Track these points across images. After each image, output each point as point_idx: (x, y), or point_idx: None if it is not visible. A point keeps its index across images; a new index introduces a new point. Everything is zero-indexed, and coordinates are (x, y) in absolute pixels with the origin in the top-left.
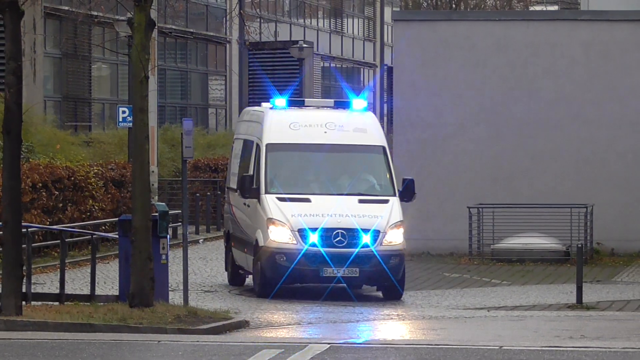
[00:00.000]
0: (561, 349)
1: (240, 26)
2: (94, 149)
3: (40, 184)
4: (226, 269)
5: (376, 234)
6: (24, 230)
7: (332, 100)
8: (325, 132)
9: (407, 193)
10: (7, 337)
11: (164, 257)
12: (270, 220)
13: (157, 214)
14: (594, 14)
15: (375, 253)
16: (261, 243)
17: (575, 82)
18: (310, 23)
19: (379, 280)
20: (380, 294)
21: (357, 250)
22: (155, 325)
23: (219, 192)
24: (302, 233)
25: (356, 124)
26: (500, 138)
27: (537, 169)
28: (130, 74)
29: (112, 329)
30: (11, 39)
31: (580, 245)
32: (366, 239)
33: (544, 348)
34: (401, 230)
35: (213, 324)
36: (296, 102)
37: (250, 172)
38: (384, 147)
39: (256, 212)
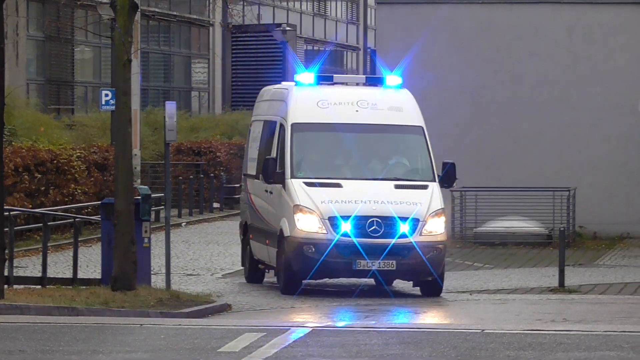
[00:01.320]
0: (543, 332)
1: (223, 9)
2: (76, 132)
3: (23, 167)
4: (243, 265)
5: (415, 223)
6: (6, 213)
7: (364, 76)
8: (357, 111)
9: (447, 178)
10: None
11: (146, 240)
12: (298, 207)
13: (139, 197)
14: None
15: (415, 244)
16: (287, 233)
17: (558, 65)
18: (294, 6)
19: (418, 274)
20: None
21: (394, 240)
22: (138, 308)
23: (202, 176)
24: (332, 221)
25: (391, 102)
26: (483, 121)
27: (520, 152)
28: (113, 57)
29: (95, 313)
30: None
31: (562, 229)
32: (404, 228)
33: (526, 331)
34: (442, 219)
35: (195, 308)
36: (324, 77)
37: (274, 155)
38: (422, 128)
39: (281, 199)
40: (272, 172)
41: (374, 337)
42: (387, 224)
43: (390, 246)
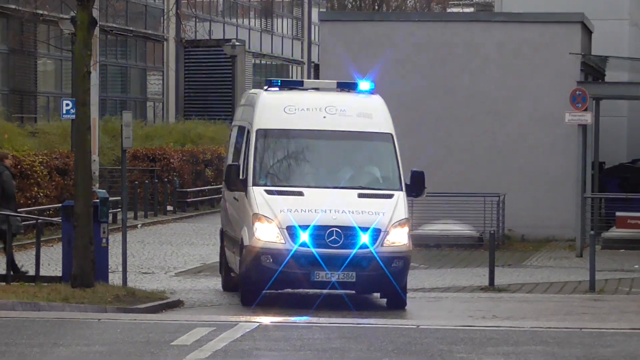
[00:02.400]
0: (474, 328)
1: (177, 25)
2: (39, 139)
3: None
4: (220, 272)
5: (377, 233)
6: None
7: (335, 81)
8: (325, 117)
9: (415, 187)
10: None
11: (104, 240)
12: (257, 216)
13: (98, 200)
14: (507, 16)
15: (375, 255)
16: (246, 242)
17: (489, 79)
18: (243, 22)
19: (380, 286)
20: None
21: (354, 251)
22: (96, 304)
23: (157, 181)
24: (291, 231)
25: (361, 107)
26: (419, 131)
27: (453, 160)
28: (74, 69)
29: (55, 308)
30: None
31: (492, 232)
32: (365, 238)
33: (458, 327)
34: (406, 229)
35: (150, 304)
36: (293, 82)
37: (240, 161)
38: (391, 135)
39: (244, 207)
40: (235, 179)
41: (316, 332)
42: (347, 234)
43: (350, 257)
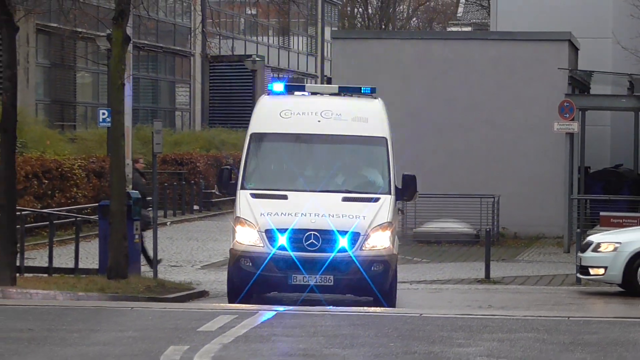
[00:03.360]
0: (472, 316)
1: (203, 42)
2: (78, 145)
3: (32, 174)
4: None
5: (355, 237)
6: (18, 213)
7: (337, 86)
8: (319, 121)
9: (406, 191)
10: (3, 304)
11: (136, 236)
12: (238, 220)
13: (131, 200)
14: (501, 35)
15: (354, 258)
16: (230, 245)
17: (485, 92)
18: (262, 40)
19: (359, 290)
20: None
21: (332, 255)
22: (129, 294)
23: (184, 183)
24: (269, 234)
25: (357, 112)
26: (422, 139)
27: (453, 165)
28: (109, 81)
29: (93, 297)
30: (8, 50)
31: (488, 230)
32: (343, 242)
33: (457, 315)
34: (387, 233)
35: (178, 294)
36: (296, 87)
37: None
38: (385, 139)
39: (234, 209)
40: (226, 182)
41: (328, 319)
42: (325, 238)
43: (328, 261)
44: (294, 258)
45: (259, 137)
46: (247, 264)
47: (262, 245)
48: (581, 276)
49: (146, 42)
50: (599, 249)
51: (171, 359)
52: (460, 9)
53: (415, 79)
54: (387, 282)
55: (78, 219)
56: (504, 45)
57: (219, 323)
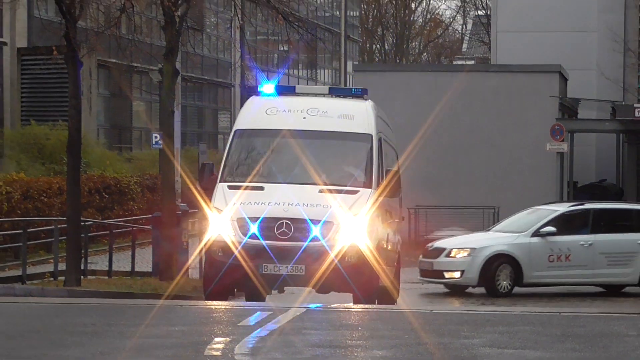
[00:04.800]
0: (476, 312)
1: (242, 74)
2: (133, 164)
3: (95, 190)
4: None
5: (328, 227)
6: (82, 223)
7: (327, 87)
8: (304, 118)
9: (389, 186)
10: (70, 302)
11: (185, 243)
12: (212, 209)
13: (180, 212)
14: (500, 67)
15: (327, 248)
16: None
17: (486, 116)
18: (293, 72)
19: (332, 282)
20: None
21: (304, 244)
22: (178, 293)
23: None
24: (241, 223)
25: (344, 110)
26: (431, 158)
27: (458, 180)
28: (161, 109)
29: (147, 296)
30: (73, 82)
31: None
32: (316, 231)
33: (463, 311)
34: (364, 224)
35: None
36: (286, 88)
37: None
38: (371, 136)
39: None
40: (207, 177)
41: (351, 315)
42: (297, 226)
43: (300, 250)
44: (265, 247)
45: (242, 133)
46: (219, 253)
47: (234, 234)
48: (424, 278)
49: (193, 74)
50: (451, 255)
51: (215, 350)
52: (464, 45)
53: (425, 105)
54: (363, 274)
55: (134, 228)
56: (502, 76)
57: (257, 318)
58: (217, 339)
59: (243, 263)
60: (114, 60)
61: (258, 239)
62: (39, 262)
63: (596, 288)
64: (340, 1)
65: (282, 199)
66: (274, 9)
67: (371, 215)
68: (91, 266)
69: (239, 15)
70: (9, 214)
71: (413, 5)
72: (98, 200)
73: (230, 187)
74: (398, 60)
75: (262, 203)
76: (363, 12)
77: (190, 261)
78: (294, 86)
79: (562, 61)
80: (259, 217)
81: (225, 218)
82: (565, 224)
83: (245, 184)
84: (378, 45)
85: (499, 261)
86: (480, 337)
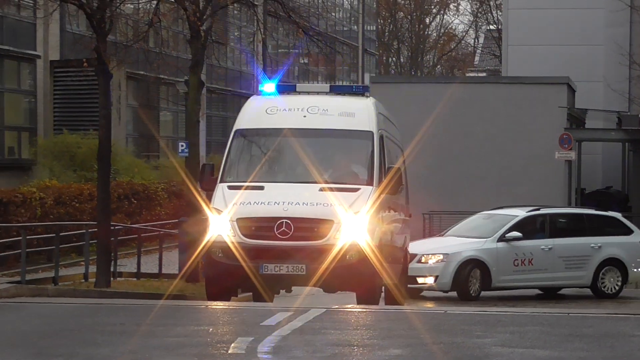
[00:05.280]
0: (487, 312)
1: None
2: (161, 171)
3: (124, 196)
4: None
5: (328, 225)
6: (112, 228)
7: (328, 85)
8: (305, 116)
9: (390, 183)
10: (100, 303)
11: None
12: (212, 210)
13: (205, 217)
14: (510, 79)
15: (328, 247)
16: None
17: (497, 126)
18: (313, 84)
19: (334, 281)
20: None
21: (304, 243)
22: (204, 294)
23: None
24: (241, 223)
25: (344, 107)
26: (445, 165)
27: (471, 187)
28: (187, 118)
29: (173, 297)
30: (103, 93)
31: None
32: (315, 230)
33: (475, 312)
34: (365, 222)
35: (244, 294)
36: (287, 87)
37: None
38: (372, 133)
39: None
40: (208, 178)
41: (369, 315)
42: (297, 226)
43: (301, 250)
44: (265, 246)
45: (242, 133)
46: (219, 254)
47: (233, 234)
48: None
49: (217, 86)
50: (422, 260)
51: (239, 348)
52: (476, 58)
53: (439, 115)
54: (365, 273)
55: (161, 232)
56: (513, 87)
57: (278, 318)
58: (240, 338)
59: (243, 263)
60: (142, 72)
61: (258, 238)
62: (70, 264)
63: (535, 290)
64: (358, 16)
65: (282, 198)
66: (295, 23)
67: (372, 213)
68: (120, 268)
69: (262, 30)
70: (42, 218)
71: (427, 20)
72: (127, 205)
73: (230, 188)
74: (413, 73)
75: (261, 203)
76: (380, 26)
77: None
78: (295, 85)
79: (570, 73)
80: (258, 217)
81: (224, 218)
82: (526, 228)
83: (245, 184)
84: (394, 58)
85: (470, 266)
86: (492, 336)
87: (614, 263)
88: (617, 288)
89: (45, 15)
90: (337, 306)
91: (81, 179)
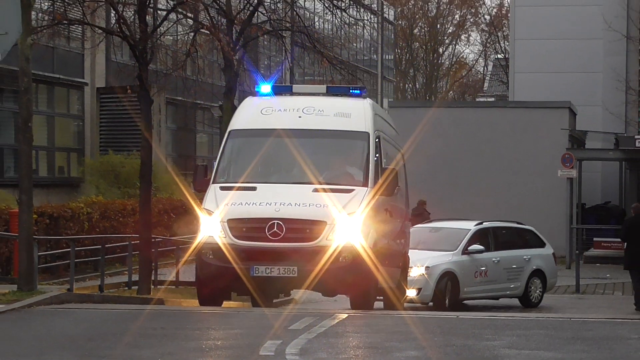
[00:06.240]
0: (497, 317)
1: None
2: None
3: (164, 211)
4: None
5: (321, 226)
6: (153, 239)
7: (325, 86)
8: (300, 117)
9: (385, 184)
10: (142, 309)
11: None
12: (203, 211)
13: None
14: (517, 103)
15: (321, 249)
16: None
17: (505, 146)
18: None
19: (326, 283)
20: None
21: (295, 245)
22: (236, 302)
23: None
24: (232, 224)
25: (340, 108)
26: (456, 183)
27: (480, 202)
28: (221, 139)
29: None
30: (144, 117)
31: None
32: (308, 231)
33: (485, 317)
34: (358, 223)
35: (274, 301)
36: (283, 88)
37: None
38: (367, 134)
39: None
40: (201, 179)
41: (388, 319)
42: (289, 227)
43: (293, 251)
44: (256, 248)
45: (236, 134)
46: (209, 255)
47: (224, 235)
48: None
49: None
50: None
51: (268, 350)
52: (486, 84)
53: (452, 137)
54: (359, 275)
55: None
56: (519, 111)
57: (304, 323)
58: (270, 341)
59: (234, 265)
60: (180, 98)
61: (248, 240)
62: (115, 273)
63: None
64: (377, 46)
65: (274, 199)
66: (320, 53)
67: (367, 214)
68: (160, 277)
69: (289, 59)
70: (89, 231)
71: (441, 50)
72: (166, 219)
73: (222, 189)
74: (428, 98)
75: (253, 203)
76: (397, 55)
77: None
78: (291, 85)
79: (572, 98)
80: (249, 218)
81: (215, 219)
82: (479, 241)
83: (237, 185)
84: (410, 85)
85: (446, 278)
86: (500, 339)
87: (538, 274)
88: (539, 298)
89: (93, 47)
90: (357, 311)
91: (125, 196)
